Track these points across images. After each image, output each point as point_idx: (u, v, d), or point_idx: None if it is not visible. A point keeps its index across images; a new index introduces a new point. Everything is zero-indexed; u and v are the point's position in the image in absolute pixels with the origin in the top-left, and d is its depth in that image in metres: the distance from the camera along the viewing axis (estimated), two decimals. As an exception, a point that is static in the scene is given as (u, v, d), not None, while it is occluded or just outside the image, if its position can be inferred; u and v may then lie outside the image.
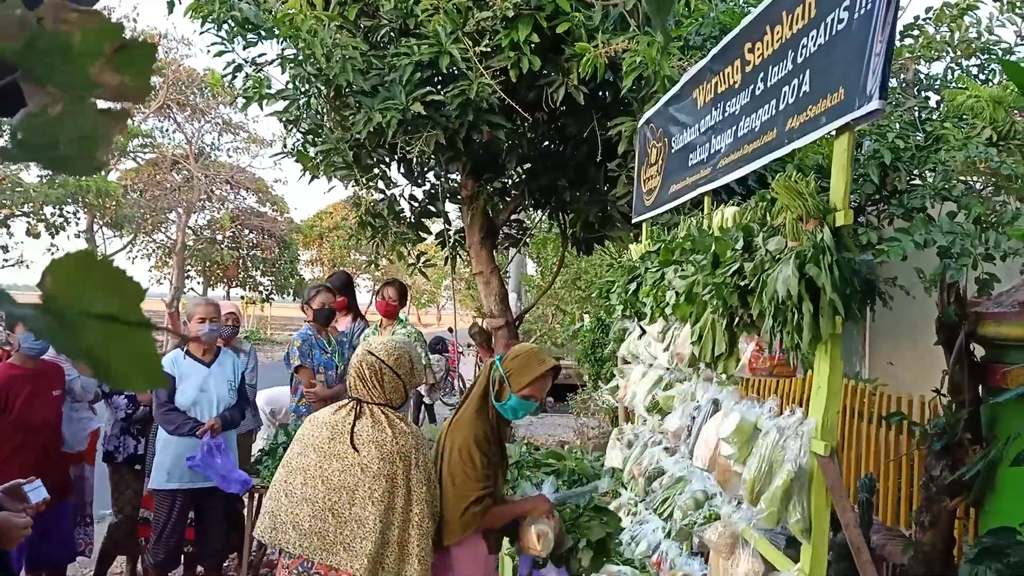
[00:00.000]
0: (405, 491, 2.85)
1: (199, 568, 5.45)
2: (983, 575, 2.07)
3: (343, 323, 6.39)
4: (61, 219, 20.54)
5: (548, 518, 3.19)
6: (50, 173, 19.54)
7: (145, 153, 26.59)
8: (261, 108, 6.24)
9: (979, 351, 2.74)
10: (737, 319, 2.51)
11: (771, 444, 2.20)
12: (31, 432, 4.68)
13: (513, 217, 8.21)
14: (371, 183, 7.28)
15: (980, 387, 2.62)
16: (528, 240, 9.12)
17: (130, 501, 5.42)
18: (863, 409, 5.34)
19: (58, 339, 0.47)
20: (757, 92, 2.91)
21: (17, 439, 4.62)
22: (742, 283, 2.39)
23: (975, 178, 6.65)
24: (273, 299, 28.90)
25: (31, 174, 20.92)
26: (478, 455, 3.03)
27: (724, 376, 2.90)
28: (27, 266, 21.22)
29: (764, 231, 2.42)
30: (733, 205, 3.20)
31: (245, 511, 5.29)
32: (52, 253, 21.12)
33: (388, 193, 7.59)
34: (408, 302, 7.58)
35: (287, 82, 6.20)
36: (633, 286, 3.98)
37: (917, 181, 6.10)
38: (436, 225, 8.22)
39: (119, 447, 5.41)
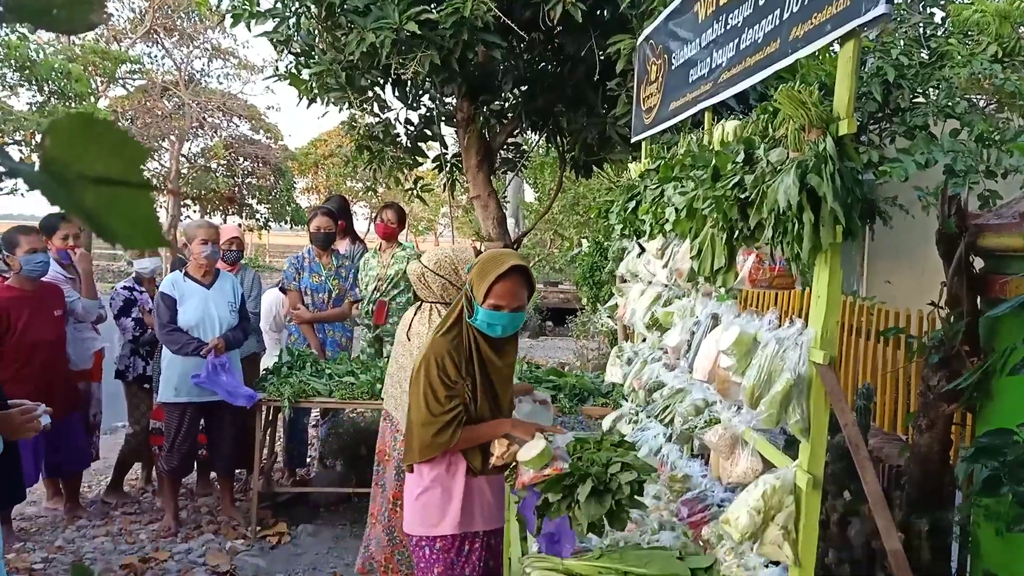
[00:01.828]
0: None
1: (212, 474, 5.64)
2: (979, 473, 2.12)
3: (342, 246, 6.41)
4: (53, 148, 20.24)
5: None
6: (40, 101, 19.20)
7: (134, 80, 26.11)
8: (249, 29, 6.09)
9: (978, 264, 2.75)
10: (737, 232, 2.50)
11: (770, 355, 2.22)
12: (36, 351, 4.80)
13: (510, 140, 8.11)
14: (365, 106, 7.17)
15: (978, 299, 2.64)
16: (526, 164, 9.02)
17: (144, 415, 5.66)
18: (861, 326, 5.38)
19: (59, 198, 0.47)
20: (760, 2, 2.84)
21: (23, 358, 4.75)
22: (742, 196, 2.37)
23: (979, 95, 6.55)
24: (271, 227, 28.79)
25: (21, 101, 20.58)
26: (437, 379, 2.84)
27: (723, 290, 2.91)
28: (22, 195, 21.05)
29: (766, 143, 2.39)
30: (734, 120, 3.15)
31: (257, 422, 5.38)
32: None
33: (383, 116, 7.48)
34: (406, 227, 7.53)
35: (276, 1, 6.04)
36: (632, 204, 3.97)
37: (920, 99, 6.03)
38: (433, 150, 8.14)
39: (129, 367, 5.61)
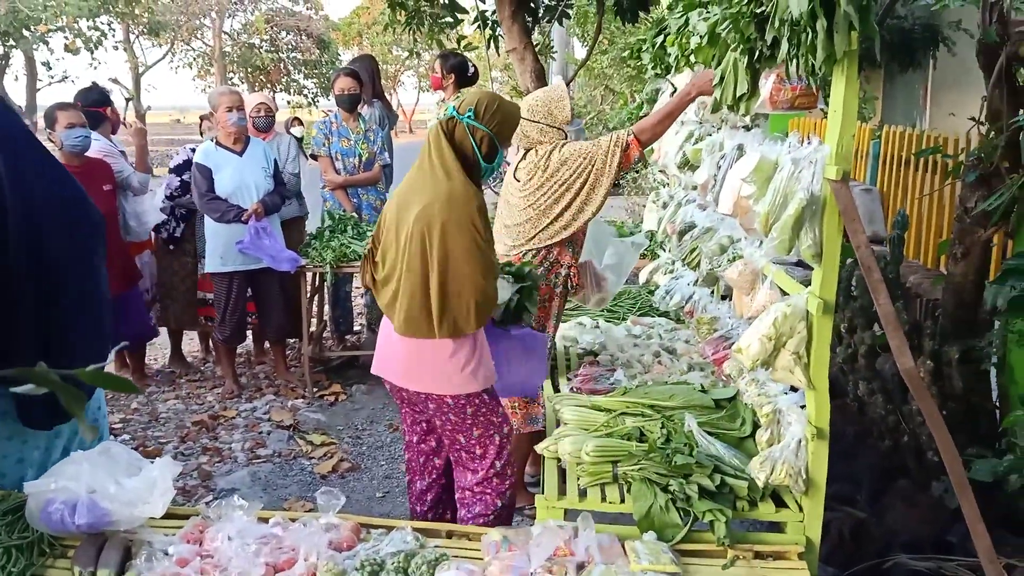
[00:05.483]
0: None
1: (265, 343, 5.85)
2: (1006, 295, 2.03)
3: (365, 109, 6.29)
4: (97, 33, 20.22)
5: None
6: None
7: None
8: None
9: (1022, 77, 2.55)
10: (757, 53, 2.35)
11: (786, 177, 2.12)
12: None
13: (548, -14, 7.74)
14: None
15: (1021, 112, 2.46)
16: (567, 11, 8.61)
17: (184, 279, 5.69)
18: (910, 156, 5.15)
19: None
20: None
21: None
22: (759, 11, 2.21)
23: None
24: (319, 102, 28.59)
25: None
26: (484, 228, 2.69)
27: (748, 119, 2.78)
28: (72, 82, 21.21)
29: (784, -51, 2.20)
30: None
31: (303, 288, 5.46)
32: (95, 68, 21.11)
33: (415, -34, 7.19)
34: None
35: None
36: (660, 39, 3.79)
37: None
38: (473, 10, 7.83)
39: (164, 224, 5.54)
